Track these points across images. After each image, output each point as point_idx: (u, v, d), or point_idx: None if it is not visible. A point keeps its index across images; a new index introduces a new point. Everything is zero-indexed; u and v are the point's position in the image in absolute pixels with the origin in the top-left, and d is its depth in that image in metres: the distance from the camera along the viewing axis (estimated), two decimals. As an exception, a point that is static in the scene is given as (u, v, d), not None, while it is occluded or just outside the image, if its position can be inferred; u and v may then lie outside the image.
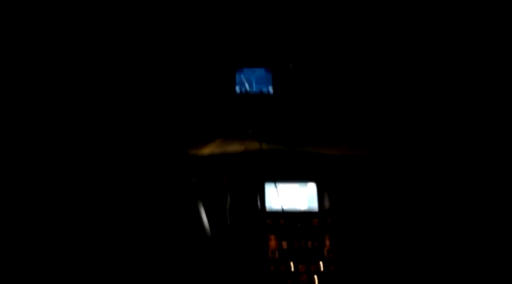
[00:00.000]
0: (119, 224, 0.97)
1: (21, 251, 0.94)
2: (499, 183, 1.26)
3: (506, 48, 1.28)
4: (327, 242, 1.26)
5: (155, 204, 1.01)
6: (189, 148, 1.35)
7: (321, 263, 1.23)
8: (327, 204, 1.32)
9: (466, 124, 1.33)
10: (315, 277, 1.22)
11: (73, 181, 1.02)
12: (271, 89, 1.48)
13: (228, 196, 1.25)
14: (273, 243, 1.24)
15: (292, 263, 1.22)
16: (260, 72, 1.49)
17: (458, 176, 1.31)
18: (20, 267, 0.93)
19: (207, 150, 1.37)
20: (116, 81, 1.36)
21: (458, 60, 1.35)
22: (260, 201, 1.32)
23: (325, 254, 1.24)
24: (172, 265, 0.97)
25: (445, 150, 1.34)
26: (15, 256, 0.93)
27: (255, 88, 1.48)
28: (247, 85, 1.48)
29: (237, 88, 1.47)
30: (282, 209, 1.30)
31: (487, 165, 1.29)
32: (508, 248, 1.20)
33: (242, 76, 1.48)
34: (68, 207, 0.97)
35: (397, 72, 1.40)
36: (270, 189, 1.33)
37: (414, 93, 1.38)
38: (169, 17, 1.37)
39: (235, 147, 1.36)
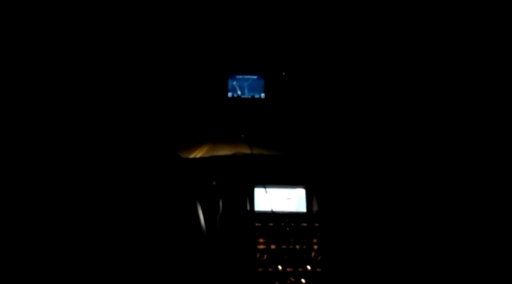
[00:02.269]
0: (113, 225, 0.99)
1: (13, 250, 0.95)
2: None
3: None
4: (315, 246, 1.27)
5: (148, 205, 1.02)
6: (180, 151, 1.38)
7: (308, 266, 1.24)
8: (315, 208, 1.34)
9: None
10: (303, 280, 1.22)
11: (67, 182, 1.03)
12: (263, 96, 1.51)
13: (220, 202, 1.27)
14: (261, 245, 1.26)
15: (280, 266, 1.23)
16: (252, 79, 1.52)
17: (444, 179, 1.33)
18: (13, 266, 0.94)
19: (198, 153, 1.40)
20: (109, 85, 1.40)
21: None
22: (249, 203, 1.33)
23: (313, 257, 1.25)
24: (166, 266, 0.98)
25: (430, 154, 1.37)
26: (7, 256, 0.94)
27: (247, 95, 1.52)
28: (239, 92, 1.52)
29: (229, 94, 1.51)
30: (271, 212, 1.32)
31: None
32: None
33: (235, 82, 1.52)
34: (63, 208, 0.98)
35: (385, 77, 1.44)
36: (259, 193, 1.35)
37: (404, 99, 1.41)
38: (162, 24, 1.41)
39: (225, 151, 1.39)
